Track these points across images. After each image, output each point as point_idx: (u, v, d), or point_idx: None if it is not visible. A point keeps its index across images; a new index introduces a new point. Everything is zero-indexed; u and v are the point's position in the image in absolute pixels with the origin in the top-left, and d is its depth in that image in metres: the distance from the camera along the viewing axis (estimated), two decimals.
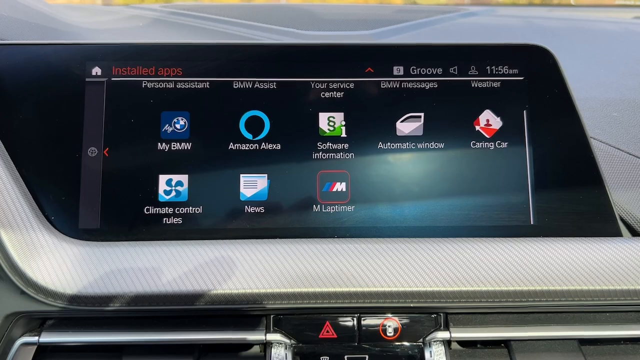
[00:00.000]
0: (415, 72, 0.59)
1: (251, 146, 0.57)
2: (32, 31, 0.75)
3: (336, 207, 0.56)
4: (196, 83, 0.58)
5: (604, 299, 0.53)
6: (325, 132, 0.57)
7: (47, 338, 0.53)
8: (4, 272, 0.51)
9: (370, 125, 0.58)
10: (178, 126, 0.57)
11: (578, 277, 0.52)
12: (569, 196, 0.57)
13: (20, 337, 0.53)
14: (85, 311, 0.52)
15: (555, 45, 0.61)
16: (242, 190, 0.56)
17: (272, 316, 0.55)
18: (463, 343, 0.57)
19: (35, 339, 0.53)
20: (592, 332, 0.56)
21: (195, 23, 0.96)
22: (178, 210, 0.55)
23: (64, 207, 0.55)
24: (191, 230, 0.55)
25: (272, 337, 0.54)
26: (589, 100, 0.70)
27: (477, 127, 0.58)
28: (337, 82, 0.58)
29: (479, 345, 0.57)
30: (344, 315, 0.55)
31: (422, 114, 0.58)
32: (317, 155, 0.57)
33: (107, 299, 0.51)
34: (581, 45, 0.90)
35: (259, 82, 0.58)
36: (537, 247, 0.54)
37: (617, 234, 0.56)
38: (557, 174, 0.57)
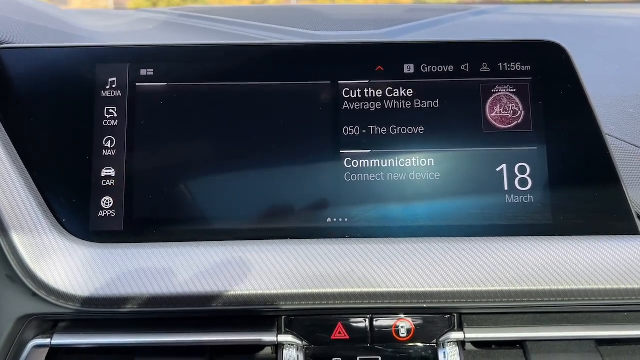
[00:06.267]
0: (426, 70, 0.58)
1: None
2: (45, 36, 0.75)
3: (348, 206, 0.55)
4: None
5: (621, 298, 0.52)
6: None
7: (59, 340, 0.53)
8: (15, 275, 0.51)
9: (384, 124, 0.57)
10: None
11: (595, 276, 0.51)
12: (585, 194, 0.55)
13: (32, 339, 0.53)
14: (96, 313, 0.52)
15: (568, 41, 0.60)
16: (254, 190, 0.56)
17: (283, 317, 0.54)
18: (477, 344, 0.56)
19: (47, 341, 0.53)
20: (610, 332, 0.54)
21: (205, 25, 0.96)
22: (189, 212, 0.55)
23: (75, 210, 0.55)
24: (202, 231, 0.55)
25: (284, 338, 0.53)
26: (604, 97, 0.69)
27: (490, 125, 0.57)
28: (347, 83, 0.58)
29: (493, 346, 0.56)
30: (356, 316, 0.54)
31: (433, 113, 0.57)
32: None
33: (118, 301, 0.51)
34: (595, 41, 0.89)
35: (266, 85, 0.58)
36: (552, 246, 0.53)
37: (635, 232, 0.54)
38: (573, 172, 0.56)
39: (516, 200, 0.55)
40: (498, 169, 0.56)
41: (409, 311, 0.54)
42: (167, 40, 0.90)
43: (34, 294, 0.51)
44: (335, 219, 0.55)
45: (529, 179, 0.56)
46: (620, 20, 1.01)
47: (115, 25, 0.95)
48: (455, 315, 0.55)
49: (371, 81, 0.58)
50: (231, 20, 0.96)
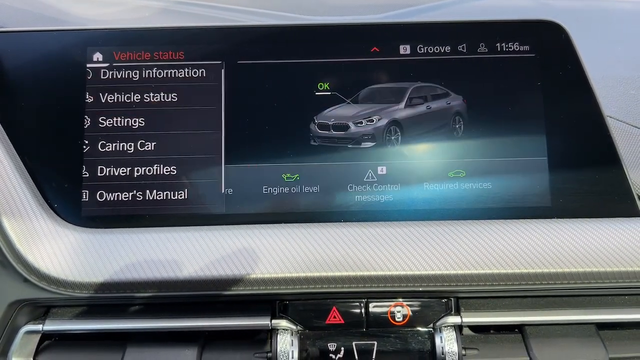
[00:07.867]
0: (423, 51, 0.57)
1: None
2: (39, 23, 0.74)
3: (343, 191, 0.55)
4: (198, 67, 0.57)
5: (622, 281, 0.51)
6: None
7: (51, 326, 0.53)
8: (6, 260, 0.50)
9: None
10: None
11: (595, 259, 0.50)
12: (585, 176, 0.54)
13: (24, 325, 0.53)
14: (89, 299, 0.51)
15: (570, 23, 0.59)
16: (247, 176, 0.55)
17: (277, 302, 0.53)
18: (475, 328, 0.55)
19: (39, 327, 0.52)
20: (610, 316, 0.54)
21: (202, 12, 0.95)
22: (180, 197, 0.54)
23: (66, 195, 0.54)
24: (196, 216, 0.54)
25: (278, 323, 0.52)
26: (606, 79, 0.67)
27: (487, 107, 0.56)
28: (341, 62, 0.57)
29: (491, 331, 0.55)
30: (352, 300, 0.53)
31: (428, 95, 0.56)
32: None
33: (111, 286, 0.50)
34: (597, 23, 0.87)
35: (261, 64, 0.57)
36: (551, 229, 0.52)
37: (636, 214, 0.54)
38: (573, 154, 0.55)
39: (515, 182, 0.54)
40: (496, 151, 0.55)
41: (404, 295, 0.53)
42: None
43: (26, 280, 0.50)
44: (330, 203, 0.54)
45: (527, 160, 0.55)
46: (622, 4, 1.00)
47: (110, 14, 0.94)
48: (452, 299, 0.54)
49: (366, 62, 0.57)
50: (228, 7, 0.95)
